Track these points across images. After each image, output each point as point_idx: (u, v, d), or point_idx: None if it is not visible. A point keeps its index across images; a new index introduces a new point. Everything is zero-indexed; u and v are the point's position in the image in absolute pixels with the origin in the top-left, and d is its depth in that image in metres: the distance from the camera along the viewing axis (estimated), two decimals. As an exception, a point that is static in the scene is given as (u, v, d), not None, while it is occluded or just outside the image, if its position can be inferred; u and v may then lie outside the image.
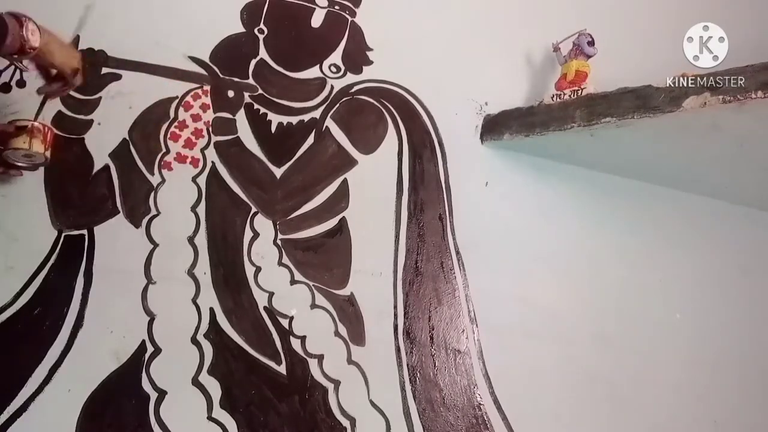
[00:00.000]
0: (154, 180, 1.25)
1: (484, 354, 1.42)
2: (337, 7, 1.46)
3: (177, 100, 1.29)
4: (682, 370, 1.64)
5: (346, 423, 1.26)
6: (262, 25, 1.39)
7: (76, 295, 1.15)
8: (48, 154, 1.10)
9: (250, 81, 1.36)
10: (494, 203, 1.52)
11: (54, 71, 1.13)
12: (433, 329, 1.39)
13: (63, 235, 1.17)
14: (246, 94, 1.35)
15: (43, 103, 1.15)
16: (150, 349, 1.16)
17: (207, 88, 1.32)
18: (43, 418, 1.07)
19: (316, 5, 1.45)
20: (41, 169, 1.15)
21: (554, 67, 1.55)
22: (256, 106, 1.36)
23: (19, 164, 1.10)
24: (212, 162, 1.30)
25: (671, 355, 1.64)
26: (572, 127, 1.30)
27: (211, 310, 1.23)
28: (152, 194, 1.24)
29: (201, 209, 1.27)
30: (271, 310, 1.27)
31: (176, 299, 1.21)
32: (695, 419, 1.63)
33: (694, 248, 1.74)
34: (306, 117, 1.39)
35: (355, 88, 1.45)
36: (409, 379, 1.34)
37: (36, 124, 1.08)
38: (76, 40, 1.23)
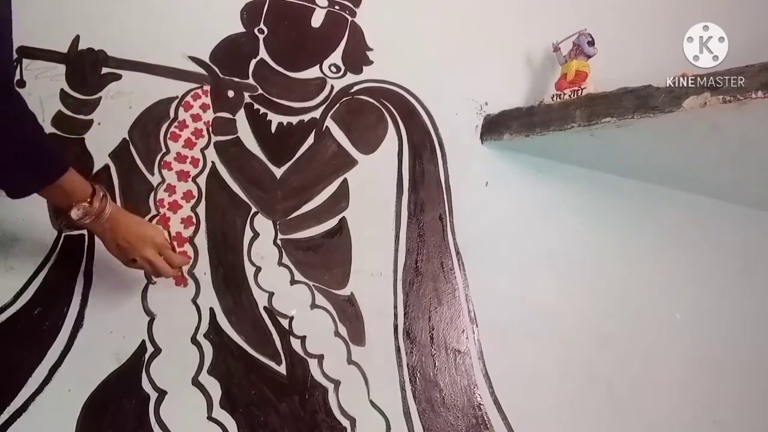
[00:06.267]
0: (154, 180, 1.25)
1: (484, 354, 1.42)
2: (337, 7, 1.46)
3: (177, 100, 1.29)
4: (682, 370, 1.64)
5: (346, 423, 1.26)
6: (262, 25, 1.39)
7: (76, 295, 1.15)
8: None
9: (250, 81, 1.36)
10: (494, 203, 1.52)
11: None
12: (433, 329, 1.39)
13: (63, 235, 1.17)
14: (246, 94, 1.35)
15: None
16: (150, 349, 1.16)
17: (207, 88, 1.32)
18: (43, 418, 1.07)
19: (316, 5, 1.45)
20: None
21: (554, 67, 1.55)
22: (256, 106, 1.36)
23: None
24: (212, 162, 1.30)
25: (671, 355, 1.64)
26: (572, 127, 1.30)
27: (211, 310, 1.23)
28: (152, 194, 1.24)
29: (201, 209, 1.27)
30: (271, 310, 1.27)
31: (176, 299, 1.21)
32: (695, 419, 1.63)
33: (694, 248, 1.74)
34: (306, 117, 1.39)
35: (355, 88, 1.45)
36: (409, 379, 1.34)
37: None
38: (76, 40, 1.23)
